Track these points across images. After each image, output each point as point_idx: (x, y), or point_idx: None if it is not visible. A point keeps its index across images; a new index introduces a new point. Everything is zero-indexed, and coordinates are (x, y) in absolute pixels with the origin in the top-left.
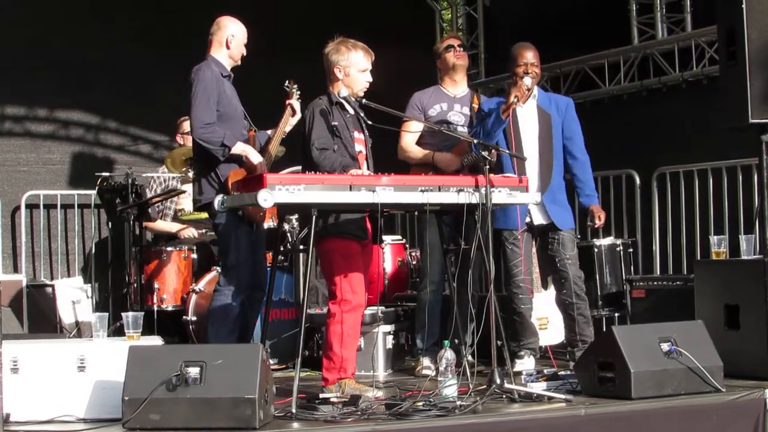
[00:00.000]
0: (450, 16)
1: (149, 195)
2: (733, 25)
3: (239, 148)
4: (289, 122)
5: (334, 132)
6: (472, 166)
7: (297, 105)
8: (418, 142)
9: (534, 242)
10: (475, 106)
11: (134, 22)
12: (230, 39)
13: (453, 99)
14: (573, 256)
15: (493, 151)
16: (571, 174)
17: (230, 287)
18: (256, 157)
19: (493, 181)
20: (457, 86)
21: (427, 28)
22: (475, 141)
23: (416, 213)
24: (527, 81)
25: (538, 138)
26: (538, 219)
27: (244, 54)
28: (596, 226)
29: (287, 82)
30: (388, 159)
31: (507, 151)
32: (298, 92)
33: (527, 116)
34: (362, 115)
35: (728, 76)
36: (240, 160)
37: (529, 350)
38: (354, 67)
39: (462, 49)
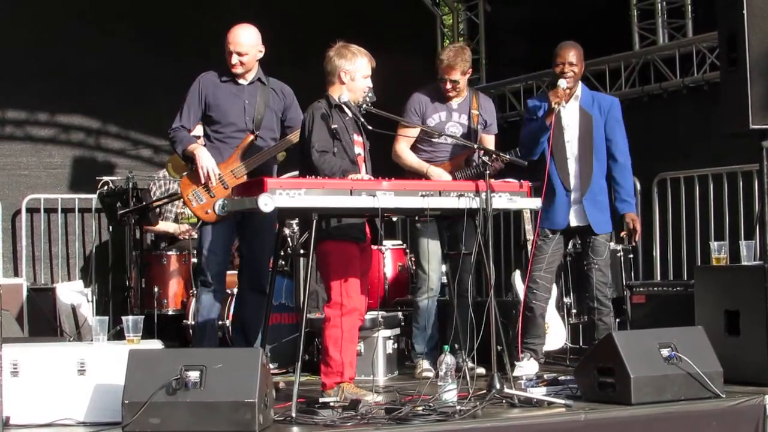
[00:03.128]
0: (451, 21)
1: (150, 198)
2: (734, 31)
3: (190, 149)
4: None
5: (334, 135)
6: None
7: None
8: (413, 148)
9: (568, 244)
10: (474, 113)
11: (135, 27)
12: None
13: (452, 108)
14: (601, 261)
15: (494, 156)
16: (610, 176)
17: (204, 285)
18: (202, 160)
19: (493, 186)
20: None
21: (429, 33)
22: (476, 146)
23: (408, 219)
24: (562, 83)
25: (578, 139)
26: (575, 221)
27: (233, 63)
28: (633, 237)
29: None
30: (386, 162)
31: (508, 157)
32: None
33: (569, 117)
34: (362, 120)
35: (729, 82)
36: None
37: (531, 351)
38: (359, 73)
39: (460, 84)
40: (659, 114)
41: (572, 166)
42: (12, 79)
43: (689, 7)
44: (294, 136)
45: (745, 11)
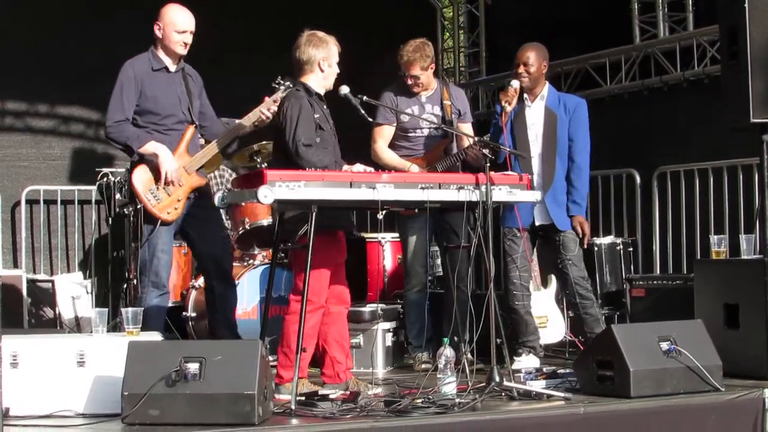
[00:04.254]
0: (451, 14)
1: None
2: (735, 25)
3: (150, 148)
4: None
5: (318, 125)
6: (447, 171)
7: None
8: (391, 145)
9: (535, 242)
10: (447, 103)
11: (134, 18)
12: (158, 29)
13: (422, 101)
14: (574, 257)
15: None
16: (567, 176)
17: (143, 284)
18: (166, 163)
19: (493, 178)
20: (429, 86)
21: (429, 27)
22: (476, 139)
23: (395, 212)
24: (514, 84)
25: (543, 137)
26: (540, 219)
27: (186, 42)
28: (582, 241)
29: (278, 78)
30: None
31: (507, 149)
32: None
33: (534, 116)
34: (363, 112)
35: (730, 76)
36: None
37: (528, 348)
38: (333, 59)
39: (421, 79)
40: (659, 107)
41: (536, 165)
42: (12, 70)
43: (690, 0)
44: (247, 120)
45: (746, 4)
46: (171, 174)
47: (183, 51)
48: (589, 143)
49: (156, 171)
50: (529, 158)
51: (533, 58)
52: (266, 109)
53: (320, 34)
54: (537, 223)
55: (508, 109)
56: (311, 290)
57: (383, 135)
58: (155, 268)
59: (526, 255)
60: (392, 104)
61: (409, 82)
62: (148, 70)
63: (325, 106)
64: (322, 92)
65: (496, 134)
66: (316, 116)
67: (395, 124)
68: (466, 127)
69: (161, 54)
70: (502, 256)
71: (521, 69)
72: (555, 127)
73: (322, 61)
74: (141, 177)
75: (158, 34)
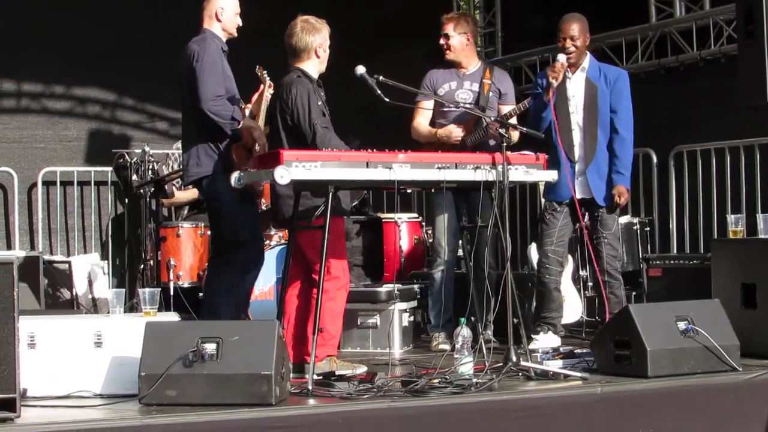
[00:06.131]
0: None
1: (166, 171)
2: (751, 4)
3: (247, 124)
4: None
5: (321, 112)
6: (476, 145)
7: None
8: (432, 123)
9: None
10: (486, 81)
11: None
12: (219, 12)
13: (463, 76)
14: (610, 235)
15: (510, 129)
16: (610, 147)
17: (241, 263)
18: (260, 137)
19: (510, 158)
20: (468, 63)
21: (444, 7)
22: (492, 117)
23: (424, 191)
24: (561, 58)
25: (583, 109)
26: (579, 193)
27: (240, 25)
28: (618, 204)
29: (257, 68)
30: (401, 136)
31: (523, 129)
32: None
33: (575, 88)
34: (379, 92)
35: (746, 55)
36: (237, 137)
37: (549, 325)
38: (327, 43)
39: (452, 40)
40: (676, 87)
41: (577, 137)
42: (28, 52)
43: None
44: (262, 115)
45: None
46: (264, 148)
47: (235, 33)
48: (632, 114)
49: (244, 146)
50: (569, 131)
51: (578, 30)
52: (268, 96)
53: (313, 19)
54: (578, 197)
55: (555, 85)
56: (337, 268)
57: (422, 112)
58: (254, 252)
59: (568, 230)
60: (431, 82)
61: (441, 41)
62: (221, 50)
63: (323, 93)
64: (317, 77)
65: (537, 107)
66: (318, 103)
67: (433, 100)
68: (505, 108)
69: (219, 35)
70: (539, 228)
71: (568, 43)
72: (596, 99)
73: (319, 47)
74: (240, 153)
75: (220, 16)
